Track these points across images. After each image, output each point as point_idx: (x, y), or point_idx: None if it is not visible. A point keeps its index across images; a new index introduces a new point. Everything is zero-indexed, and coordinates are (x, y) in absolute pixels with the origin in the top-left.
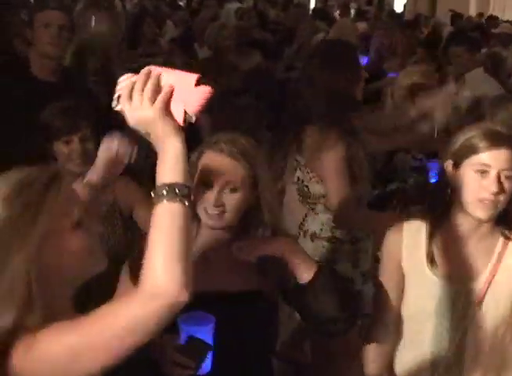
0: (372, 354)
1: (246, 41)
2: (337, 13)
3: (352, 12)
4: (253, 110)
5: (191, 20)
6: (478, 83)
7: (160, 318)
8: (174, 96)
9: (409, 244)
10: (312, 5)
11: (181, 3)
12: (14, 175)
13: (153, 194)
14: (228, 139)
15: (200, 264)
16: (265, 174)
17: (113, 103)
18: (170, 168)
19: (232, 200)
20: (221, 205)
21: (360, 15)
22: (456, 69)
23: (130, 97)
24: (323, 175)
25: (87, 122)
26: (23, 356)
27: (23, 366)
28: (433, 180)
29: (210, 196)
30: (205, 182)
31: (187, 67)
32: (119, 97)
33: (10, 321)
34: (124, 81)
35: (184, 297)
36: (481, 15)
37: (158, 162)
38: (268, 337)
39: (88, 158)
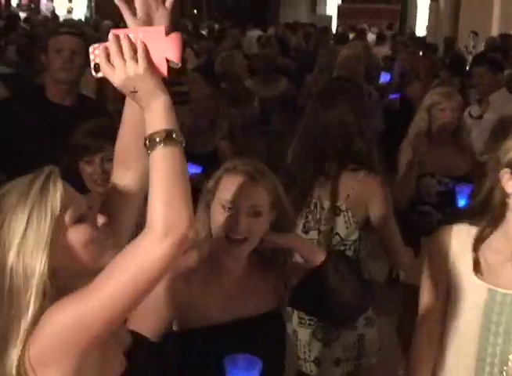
0: (416, 362)
1: (271, 68)
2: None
3: (373, 36)
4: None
5: (215, 49)
6: (503, 104)
7: (173, 254)
8: (150, 49)
9: (457, 249)
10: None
11: (203, 32)
12: (13, 183)
13: (147, 141)
14: (246, 163)
15: (218, 293)
16: (285, 197)
17: (93, 72)
18: (163, 116)
19: (256, 224)
20: (246, 230)
21: (381, 39)
22: (478, 90)
23: (110, 63)
24: (376, 221)
25: (109, 143)
26: (35, 335)
27: (38, 348)
28: (463, 203)
29: (235, 220)
30: (228, 206)
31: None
32: (96, 65)
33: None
34: (95, 50)
35: (191, 232)
36: (502, 35)
37: (148, 114)
38: (283, 356)
39: (109, 178)
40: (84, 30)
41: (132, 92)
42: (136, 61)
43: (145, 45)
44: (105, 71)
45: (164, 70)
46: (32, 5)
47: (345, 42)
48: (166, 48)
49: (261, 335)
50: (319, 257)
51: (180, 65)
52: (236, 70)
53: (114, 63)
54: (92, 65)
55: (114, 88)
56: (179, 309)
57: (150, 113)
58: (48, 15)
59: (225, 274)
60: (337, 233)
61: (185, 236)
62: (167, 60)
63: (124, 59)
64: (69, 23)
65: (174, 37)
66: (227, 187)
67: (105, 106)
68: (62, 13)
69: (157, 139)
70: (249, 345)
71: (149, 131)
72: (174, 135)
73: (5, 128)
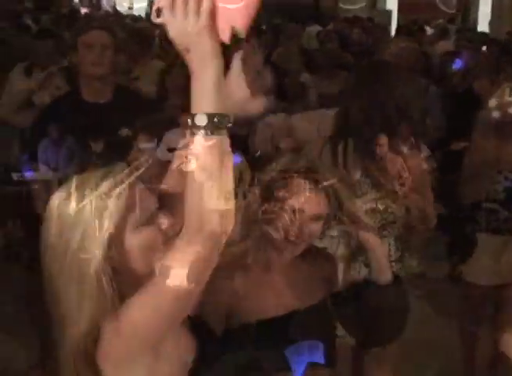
0: None
1: (332, 64)
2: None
3: (432, 30)
4: None
5: (274, 45)
6: None
7: (206, 253)
8: (219, 8)
9: None
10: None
11: (263, 27)
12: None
13: (189, 122)
14: (310, 166)
15: (266, 288)
16: (345, 190)
17: (152, 16)
18: (209, 94)
19: (316, 228)
20: (307, 235)
21: (444, 33)
22: None
23: (173, 10)
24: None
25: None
26: (111, 339)
27: (112, 348)
28: None
29: (298, 226)
30: (293, 212)
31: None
32: (158, 9)
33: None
34: None
35: (228, 230)
36: None
37: (194, 86)
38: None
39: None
40: (139, 25)
41: (185, 49)
42: (198, 16)
43: (212, 2)
44: (165, 18)
45: (225, 36)
46: (94, 1)
47: (410, 34)
48: (235, 14)
49: (310, 327)
50: (387, 277)
51: (244, 37)
52: (291, 65)
53: (176, 12)
54: (155, 8)
55: (174, 79)
56: (232, 303)
57: (197, 82)
58: (110, 10)
59: (275, 267)
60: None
61: (218, 234)
62: (233, 27)
63: (186, 11)
64: (130, 18)
65: (248, 4)
66: (292, 192)
67: (141, 99)
68: (123, 9)
69: (201, 124)
70: (301, 337)
71: (193, 108)
72: (218, 122)
73: (45, 131)
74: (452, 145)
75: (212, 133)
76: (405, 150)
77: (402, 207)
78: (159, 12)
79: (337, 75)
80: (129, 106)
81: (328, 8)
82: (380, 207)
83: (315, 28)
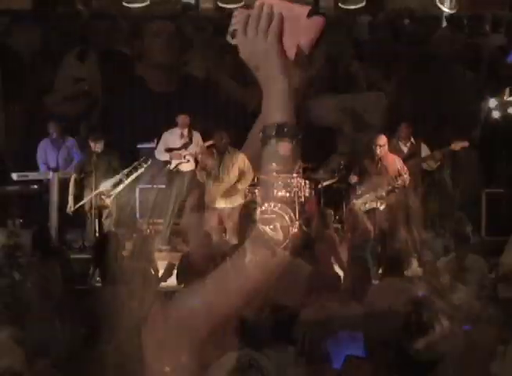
0: None
1: (383, 54)
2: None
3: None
4: None
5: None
6: None
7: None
8: (286, 28)
9: None
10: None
11: None
12: None
13: (261, 133)
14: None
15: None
16: None
17: (228, 38)
18: (278, 107)
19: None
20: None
21: (494, 25)
22: None
23: (245, 31)
24: None
25: None
26: (163, 321)
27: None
28: None
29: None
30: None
31: None
32: (234, 31)
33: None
34: (240, 15)
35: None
36: None
37: (265, 99)
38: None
39: None
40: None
41: (255, 67)
42: (267, 36)
43: (281, 21)
44: (238, 39)
45: (291, 53)
46: None
47: (460, 26)
48: (302, 32)
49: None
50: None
51: (307, 53)
52: (341, 54)
53: (248, 32)
54: (231, 30)
55: (226, 66)
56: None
57: (267, 98)
58: None
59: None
60: None
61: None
62: (298, 45)
63: (257, 31)
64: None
65: (315, 22)
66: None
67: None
68: None
69: (271, 133)
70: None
71: (266, 122)
72: (285, 130)
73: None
74: (452, 144)
75: (281, 141)
76: (405, 149)
77: (403, 207)
78: (234, 33)
79: (388, 65)
80: (191, 93)
81: (328, 8)
82: (380, 206)
83: (366, 18)
